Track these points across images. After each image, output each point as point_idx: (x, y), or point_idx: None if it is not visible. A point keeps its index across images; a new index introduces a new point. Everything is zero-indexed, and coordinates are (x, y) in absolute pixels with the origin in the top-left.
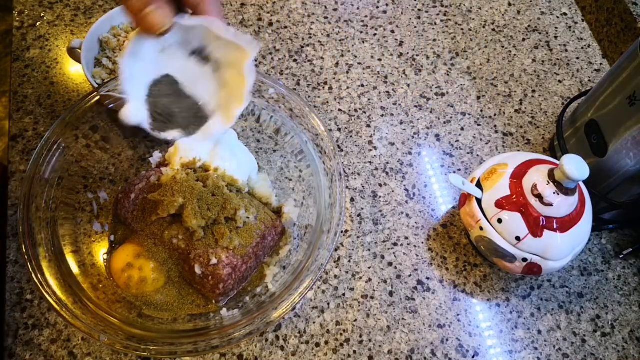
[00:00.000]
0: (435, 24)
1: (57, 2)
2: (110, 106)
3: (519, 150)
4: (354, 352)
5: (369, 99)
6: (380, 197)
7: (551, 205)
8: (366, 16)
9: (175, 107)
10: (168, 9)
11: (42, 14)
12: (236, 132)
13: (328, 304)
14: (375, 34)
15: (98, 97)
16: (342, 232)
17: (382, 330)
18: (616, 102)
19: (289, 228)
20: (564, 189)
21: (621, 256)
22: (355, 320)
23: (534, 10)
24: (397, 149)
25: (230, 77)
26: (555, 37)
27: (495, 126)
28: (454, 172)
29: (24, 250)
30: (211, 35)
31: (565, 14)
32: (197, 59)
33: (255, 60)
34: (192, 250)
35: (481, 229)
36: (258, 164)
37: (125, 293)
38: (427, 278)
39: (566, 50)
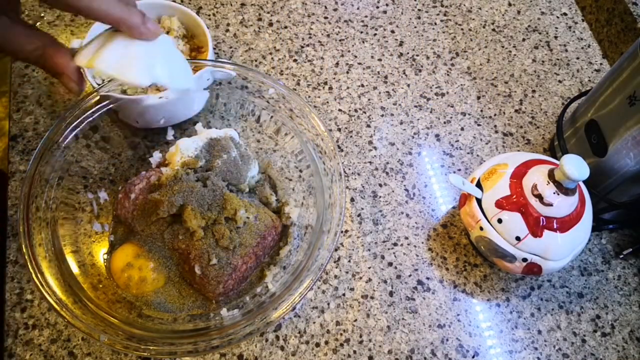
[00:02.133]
0: (435, 24)
1: None
2: (110, 106)
3: (519, 150)
4: (354, 352)
5: (369, 99)
6: (380, 197)
7: (551, 205)
8: (366, 16)
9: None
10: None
11: (42, 14)
12: (236, 132)
13: (328, 304)
14: (375, 34)
15: (98, 97)
16: (342, 232)
17: (382, 330)
18: (616, 102)
19: (289, 228)
20: (564, 189)
21: (621, 256)
22: (355, 320)
23: (534, 10)
24: (397, 149)
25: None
26: (555, 37)
27: (495, 126)
28: (454, 172)
29: (24, 250)
30: None
31: (565, 14)
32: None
33: (255, 60)
34: (192, 250)
35: (481, 229)
36: (258, 164)
37: (125, 293)
38: (427, 278)
39: (566, 50)
